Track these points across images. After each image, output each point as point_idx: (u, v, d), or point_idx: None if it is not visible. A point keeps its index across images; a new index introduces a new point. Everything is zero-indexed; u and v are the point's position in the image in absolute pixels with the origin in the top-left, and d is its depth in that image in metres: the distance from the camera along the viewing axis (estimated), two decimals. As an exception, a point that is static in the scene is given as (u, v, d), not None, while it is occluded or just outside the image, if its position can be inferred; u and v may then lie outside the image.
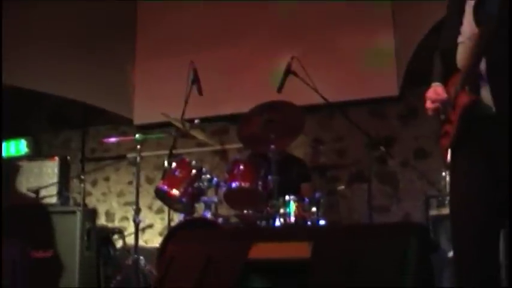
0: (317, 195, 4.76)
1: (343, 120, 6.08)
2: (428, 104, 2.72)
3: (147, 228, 6.82)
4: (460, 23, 2.62)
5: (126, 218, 7.05)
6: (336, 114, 6.36)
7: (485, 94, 2.45)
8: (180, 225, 4.59)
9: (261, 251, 2.82)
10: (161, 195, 4.73)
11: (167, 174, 4.73)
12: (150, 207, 6.84)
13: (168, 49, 6.98)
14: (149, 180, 6.89)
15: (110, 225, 6.89)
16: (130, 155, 6.72)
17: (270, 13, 6.64)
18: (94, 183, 7.33)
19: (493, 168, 2.45)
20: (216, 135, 6.70)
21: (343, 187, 5.56)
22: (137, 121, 7.13)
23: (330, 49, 6.37)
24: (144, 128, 6.64)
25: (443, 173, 5.49)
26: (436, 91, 2.69)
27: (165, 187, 4.65)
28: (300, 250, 2.68)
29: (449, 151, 2.61)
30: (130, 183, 7.03)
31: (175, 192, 4.62)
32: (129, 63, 7.25)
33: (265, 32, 6.61)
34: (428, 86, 6.05)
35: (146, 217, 6.63)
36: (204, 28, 6.85)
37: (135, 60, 7.28)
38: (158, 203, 6.37)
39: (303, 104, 5.09)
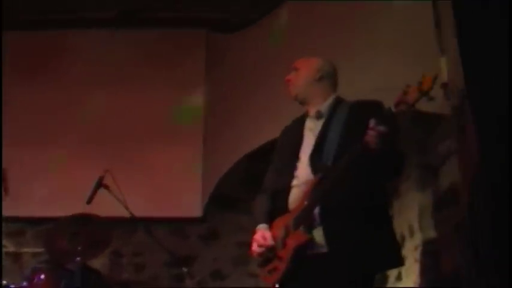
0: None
1: (145, 235, 6.20)
2: (254, 247, 2.89)
3: None
4: (294, 168, 2.89)
5: None
6: (139, 229, 6.44)
7: (317, 234, 2.69)
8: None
9: None
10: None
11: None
12: None
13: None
14: None
15: None
16: None
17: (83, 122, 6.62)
18: None
19: None
20: (12, 237, 6.38)
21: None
22: None
23: (141, 164, 6.44)
24: None
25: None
26: (263, 236, 2.87)
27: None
28: None
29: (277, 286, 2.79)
30: None
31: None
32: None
33: (77, 140, 6.55)
34: (230, 210, 6.36)
35: None
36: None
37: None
38: None
39: (110, 216, 5.08)
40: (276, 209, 2.92)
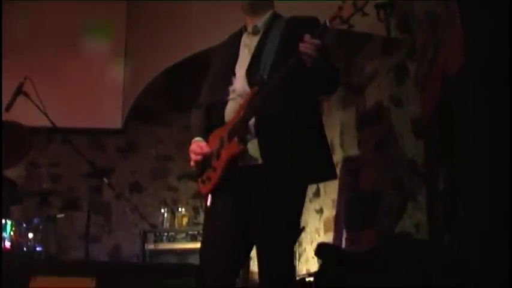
0: (35, 221, 4.68)
1: (61, 146, 6.11)
2: (193, 157, 2.90)
3: None
4: (230, 82, 2.89)
5: None
6: (55, 140, 6.33)
7: (251, 146, 2.73)
8: None
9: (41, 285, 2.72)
10: None
11: None
12: None
13: None
14: None
15: None
16: None
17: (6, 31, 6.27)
18: None
19: (243, 208, 2.74)
20: None
21: (63, 215, 5.48)
22: None
23: (61, 72, 6.25)
24: None
25: (162, 210, 5.80)
26: (199, 145, 2.88)
27: None
28: (83, 285, 2.66)
29: (209, 196, 2.83)
30: None
31: None
32: None
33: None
34: (149, 123, 6.33)
35: None
36: None
37: None
38: None
39: (29, 125, 4.96)
40: (212, 123, 2.93)
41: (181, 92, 6.12)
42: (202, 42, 5.21)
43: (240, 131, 2.72)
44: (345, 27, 2.53)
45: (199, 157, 2.86)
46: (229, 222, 2.75)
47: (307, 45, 2.55)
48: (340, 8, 2.51)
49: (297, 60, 2.59)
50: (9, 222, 4.58)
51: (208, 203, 2.83)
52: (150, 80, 5.99)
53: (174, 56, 5.73)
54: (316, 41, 2.55)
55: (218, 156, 2.79)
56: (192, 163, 2.91)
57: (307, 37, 2.56)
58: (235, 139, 2.72)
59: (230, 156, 2.73)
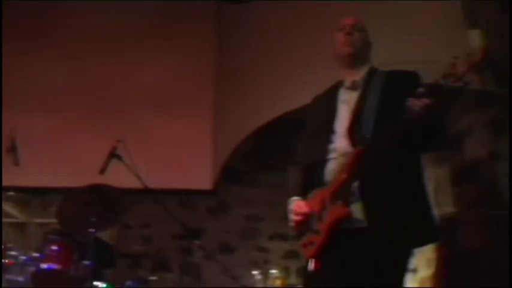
0: (131, 284, 4.68)
1: (152, 207, 6.12)
2: (293, 217, 2.83)
3: None
4: (330, 141, 2.80)
5: None
6: (146, 200, 6.36)
7: (354, 209, 2.62)
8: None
9: None
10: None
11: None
12: None
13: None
14: None
15: None
16: None
17: (100, 87, 6.49)
18: None
19: (346, 273, 2.60)
20: (18, 207, 6.28)
21: (155, 277, 5.46)
22: None
23: (152, 132, 6.34)
24: None
25: (253, 271, 5.70)
26: (299, 205, 2.81)
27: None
28: None
29: (312, 261, 2.73)
30: None
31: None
32: None
33: (92, 107, 6.43)
34: (239, 183, 6.31)
35: None
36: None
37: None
38: None
39: (119, 186, 4.99)
40: (311, 182, 2.84)
41: (271, 151, 6.10)
42: (291, 101, 5.19)
43: (344, 193, 2.62)
44: (459, 84, 2.42)
45: (300, 217, 2.77)
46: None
47: (417, 103, 2.45)
48: (454, 65, 2.40)
49: (404, 118, 2.49)
50: (103, 286, 4.56)
51: (312, 267, 2.71)
52: (239, 141, 5.98)
53: (263, 116, 5.73)
54: (427, 100, 2.45)
55: (321, 218, 2.68)
56: (291, 223, 2.82)
57: (417, 93, 2.46)
58: (340, 202, 2.62)
59: (335, 220, 2.63)
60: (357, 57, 2.94)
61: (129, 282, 4.72)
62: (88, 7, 6.58)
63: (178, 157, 6.30)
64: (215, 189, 6.36)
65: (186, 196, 6.45)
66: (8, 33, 6.32)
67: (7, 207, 5.01)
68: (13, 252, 4.48)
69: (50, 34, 6.56)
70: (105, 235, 5.75)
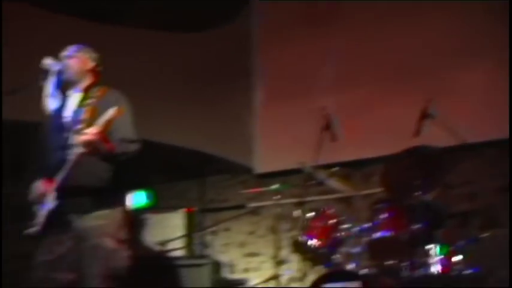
0: (461, 243, 4.56)
1: (471, 162, 5.88)
2: None
3: (271, 279, 6.62)
4: None
5: (248, 270, 6.91)
6: (464, 157, 6.13)
7: None
8: (324, 278, 4.43)
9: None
10: (301, 246, 4.61)
11: (307, 225, 4.64)
12: (274, 258, 6.64)
13: (288, 92, 6.89)
14: (271, 230, 6.70)
15: (232, 277, 6.75)
16: (251, 205, 6.64)
17: (396, 52, 6.47)
18: (214, 234, 7.22)
19: None
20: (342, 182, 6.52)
21: (487, 234, 5.26)
22: (258, 170, 7.02)
23: (459, 89, 6.14)
24: (264, 177, 6.55)
25: None
26: None
27: (307, 238, 4.53)
28: None
29: None
30: (251, 233, 6.90)
31: (317, 243, 4.51)
32: (247, 109, 7.19)
33: (391, 73, 6.45)
34: None
35: (269, 268, 6.44)
36: (326, 68, 6.73)
37: (253, 106, 7.22)
38: (283, 254, 6.16)
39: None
40: None
41: None
42: None
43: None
44: None
45: None
46: None
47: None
48: None
49: None
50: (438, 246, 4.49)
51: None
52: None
53: None
54: None
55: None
56: None
57: None
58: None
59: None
60: None
61: (461, 242, 4.56)
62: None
63: (489, 107, 5.97)
64: None
65: (504, 146, 6.07)
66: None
67: (333, 183, 5.19)
68: (346, 226, 4.66)
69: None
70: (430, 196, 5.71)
